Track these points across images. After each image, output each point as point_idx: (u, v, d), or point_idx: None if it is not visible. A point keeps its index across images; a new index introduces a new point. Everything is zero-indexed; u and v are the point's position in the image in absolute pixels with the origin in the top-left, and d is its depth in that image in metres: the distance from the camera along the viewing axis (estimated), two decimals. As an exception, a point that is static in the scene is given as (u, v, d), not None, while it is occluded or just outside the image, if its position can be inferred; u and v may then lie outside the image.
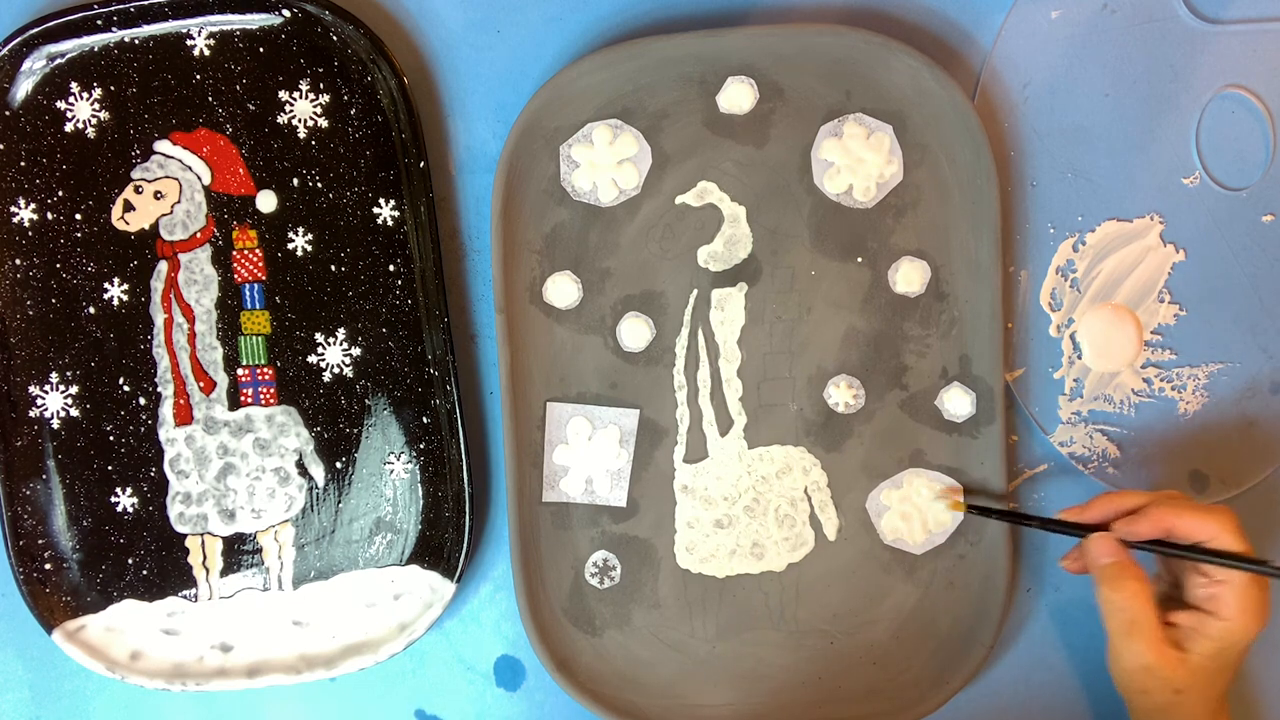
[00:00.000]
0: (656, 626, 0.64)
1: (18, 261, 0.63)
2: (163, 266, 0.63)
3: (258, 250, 0.63)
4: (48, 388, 0.63)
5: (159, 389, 0.63)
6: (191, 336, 0.63)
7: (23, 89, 0.62)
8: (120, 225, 0.63)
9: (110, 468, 0.63)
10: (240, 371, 0.63)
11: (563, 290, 0.62)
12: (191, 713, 0.66)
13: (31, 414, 0.63)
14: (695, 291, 0.63)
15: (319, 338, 0.63)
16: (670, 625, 0.64)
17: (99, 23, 0.61)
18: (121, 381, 0.63)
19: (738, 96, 0.61)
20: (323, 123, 0.62)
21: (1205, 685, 0.54)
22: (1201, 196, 0.63)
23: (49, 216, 0.62)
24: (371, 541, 0.64)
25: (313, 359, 0.63)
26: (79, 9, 0.61)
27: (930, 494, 0.62)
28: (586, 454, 0.63)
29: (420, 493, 0.63)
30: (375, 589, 0.64)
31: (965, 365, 0.62)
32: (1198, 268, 0.63)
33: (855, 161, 0.61)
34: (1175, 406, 0.64)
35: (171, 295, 0.63)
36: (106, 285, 0.63)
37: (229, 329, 0.63)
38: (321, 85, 0.62)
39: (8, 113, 0.62)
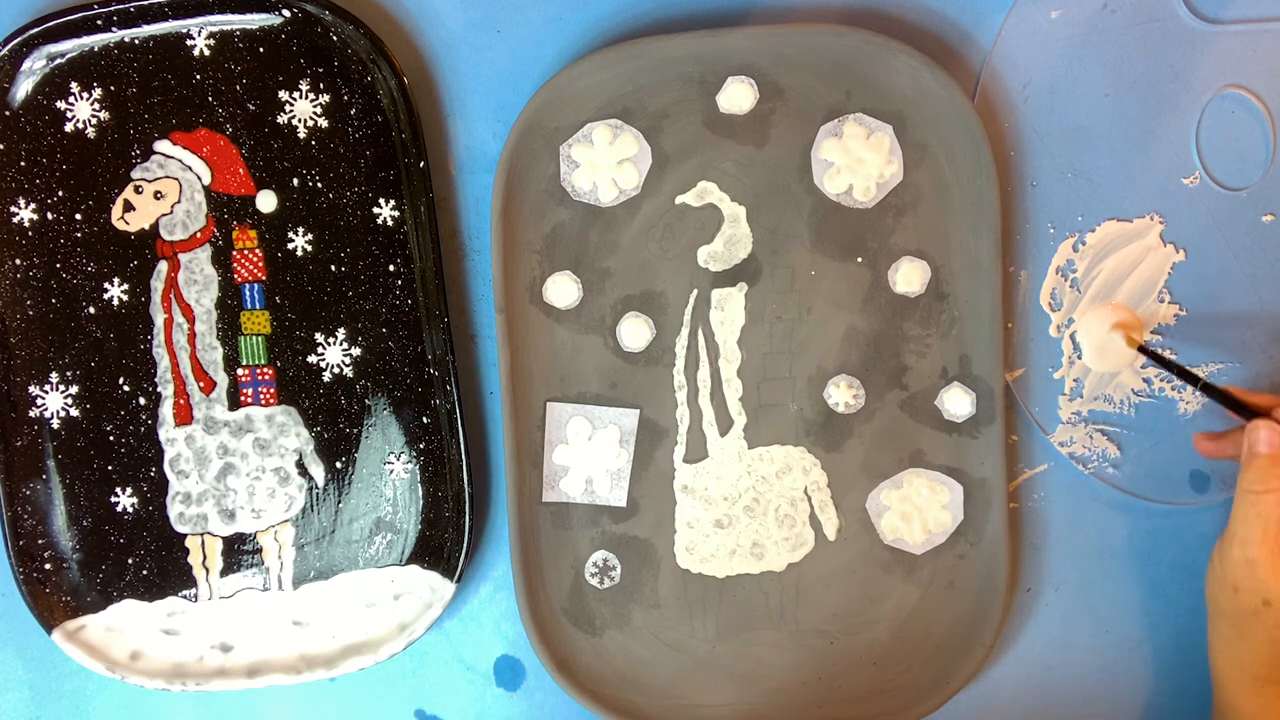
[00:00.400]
0: (656, 626, 0.64)
1: (18, 261, 0.63)
2: (163, 266, 0.63)
3: (258, 250, 0.63)
4: (48, 388, 0.63)
5: (159, 389, 0.63)
6: (191, 336, 0.63)
7: (23, 89, 0.62)
8: (120, 225, 0.63)
9: (110, 468, 0.63)
10: (240, 371, 0.63)
11: (563, 290, 0.62)
12: (191, 713, 0.66)
13: (31, 414, 0.63)
14: (695, 291, 0.63)
15: (319, 338, 0.63)
16: (670, 625, 0.64)
17: (99, 23, 0.61)
18: (121, 381, 0.63)
19: (738, 96, 0.61)
20: (323, 123, 0.62)
21: None
22: (1201, 196, 0.63)
23: (49, 216, 0.62)
24: (371, 541, 0.64)
25: (313, 359, 0.63)
26: (79, 9, 0.61)
27: (1101, 344, 0.61)
28: (586, 454, 0.63)
29: (420, 493, 0.63)
30: (375, 589, 0.64)
31: (965, 365, 0.62)
32: (1198, 268, 0.63)
33: (855, 161, 0.61)
34: (1175, 406, 0.64)
35: (171, 295, 0.63)
36: (106, 285, 0.63)
37: (229, 329, 0.63)
38: (321, 85, 0.62)
39: (8, 113, 0.62)
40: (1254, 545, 0.55)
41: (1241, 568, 0.55)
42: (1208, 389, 0.59)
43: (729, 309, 0.63)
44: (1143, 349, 0.61)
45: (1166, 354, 0.63)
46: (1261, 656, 0.56)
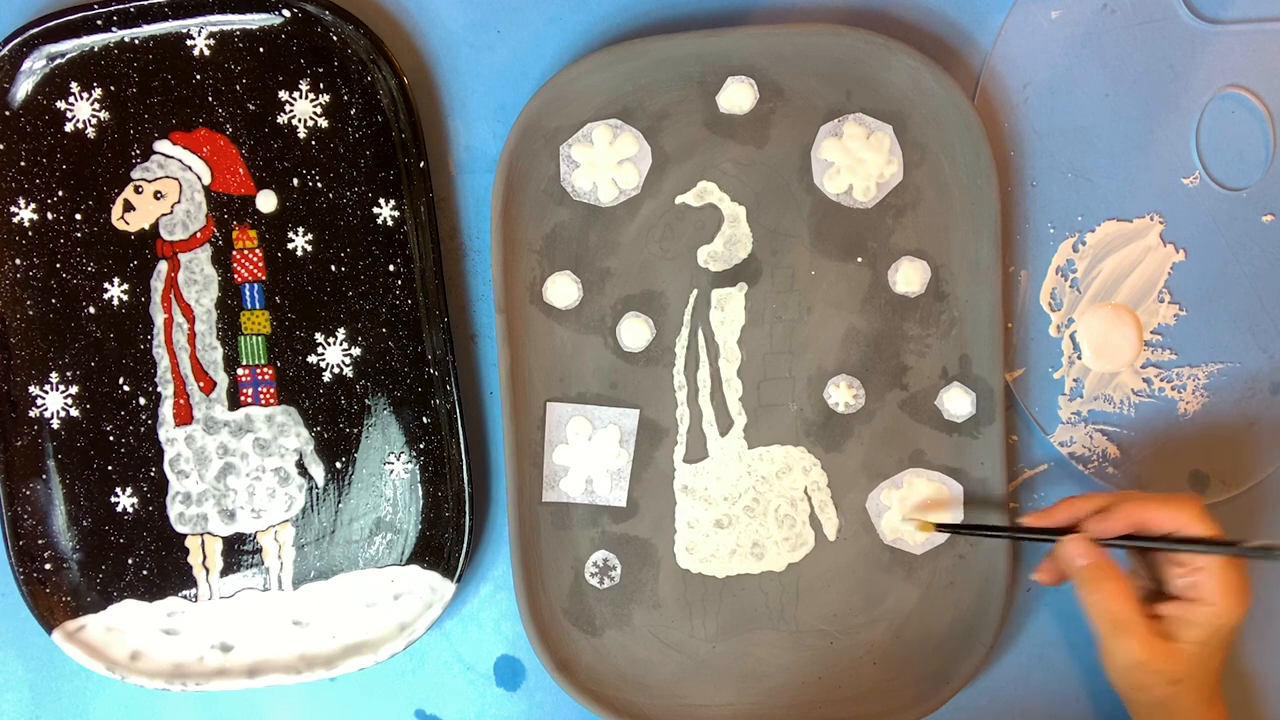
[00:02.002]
0: (656, 626, 0.64)
1: (18, 261, 0.63)
2: (163, 266, 0.63)
3: (258, 250, 0.63)
4: (48, 388, 0.63)
5: (159, 389, 0.63)
6: (191, 336, 0.63)
7: (23, 89, 0.62)
8: (120, 225, 0.63)
9: (110, 468, 0.63)
10: (240, 371, 0.63)
11: (563, 290, 0.62)
12: (191, 713, 0.66)
13: (31, 414, 0.63)
14: (695, 291, 0.63)
15: (319, 338, 0.63)
16: (670, 625, 0.64)
17: (99, 23, 0.61)
18: (121, 381, 0.63)
19: (738, 96, 0.61)
20: (323, 123, 0.62)
21: (1200, 672, 0.54)
22: (1201, 196, 0.63)
23: (49, 216, 0.62)
24: (371, 541, 0.64)
25: (313, 359, 0.63)
26: (79, 9, 0.61)
27: (914, 506, 0.62)
28: (586, 454, 0.63)
29: (420, 493, 0.63)
30: (375, 589, 0.64)
31: (965, 365, 0.62)
32: (1198, 268, 0.63)
33: (855, 161, 0.61)
34: (1175, 406, 0.64)
35: (171, 295, 0.63)
36: (106, 285, 0.63)
37: (229, 329, 0.63)
38: (321, 85, 0.62)
39: (8, 113, 0.62)
40: (1132, 648, 0.54)
41: (1135, 672, 0.54)
42: (1016, 532, 0.60)
43: (729, 309, 0.63)
44: (940, 526, 0.61)
45: (1165, 355, 0.63)
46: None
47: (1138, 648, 0.54)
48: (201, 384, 0.63)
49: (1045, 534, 0.58)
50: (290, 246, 0.63)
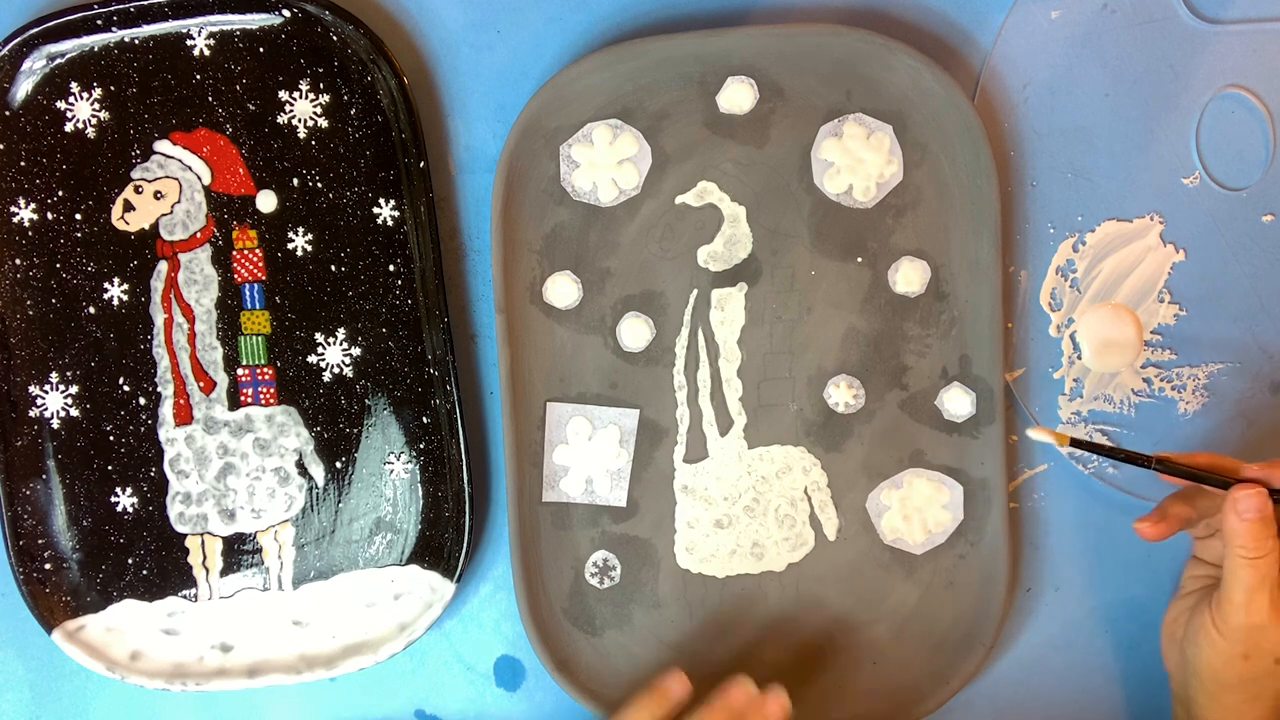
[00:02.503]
0: (656, 626, 0.64)
1: (18, 261, 0.63)
2: (163, 266, 0.63)
3: (258, 250, 0.63)
4: (48, 388, 0.63)
5: (159, 389, 0.63)
6: (191, 336, 0.63)
7: (23, 89, 0.62)
8: (120, 225, 0.63)
9: (110, 468, 0.63)
10: (240, 371, 0.63)
11: (563, 290, 0.62)
12: (191, 713, 0.66)
13: (31, 414, 0.63)
14: (695, 291, 0.63)
15: (319, 338, 0.63)
16: (670, 625, 0.64)
17: (99, 23, 0.61)
18: (121, 381, 0.63)
19: (738, 96, 0.61)
20: (323, 123, 0.62)
21: None
22: (1201, 196, 0.63)
23: (49, 216, 0.62)
24: (371, 541, 0.64)
25: (313, 359, 0.63)
26: (79, 9, 0.61)
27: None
28: (586, 454, 0.63)
29: (420, 493, 0.63)
30: (375, 589, 0.64)
31: (965, 365, 0.62)
32: (1198, 268, 0.63)
33: (855, 161, 0.61)
34: (1175, 406, 0.64)
35: (171, 295, 0.63)
36: (106, 285, 0.63)
37: (229, 329, 0.63)
38: (321, 85, 0.62)
39: (8, 113, 0.62)
40: (1259, 609, 0.53)
41: (1250, 634, 0.54)
42: (1163, 467, 0.56)
43: (729, 309, 0.63)
44: (1075, 442, 0.58)
45: (1165, 355, 0.63)
46: (1268, 715, 0.55)
47: (1267, 613, 0.53)
48: (201, 384, 0.63)
49: (1193, 476, 0.56)
50: (290, 246, 0.63)
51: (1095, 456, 0.63)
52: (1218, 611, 0.55)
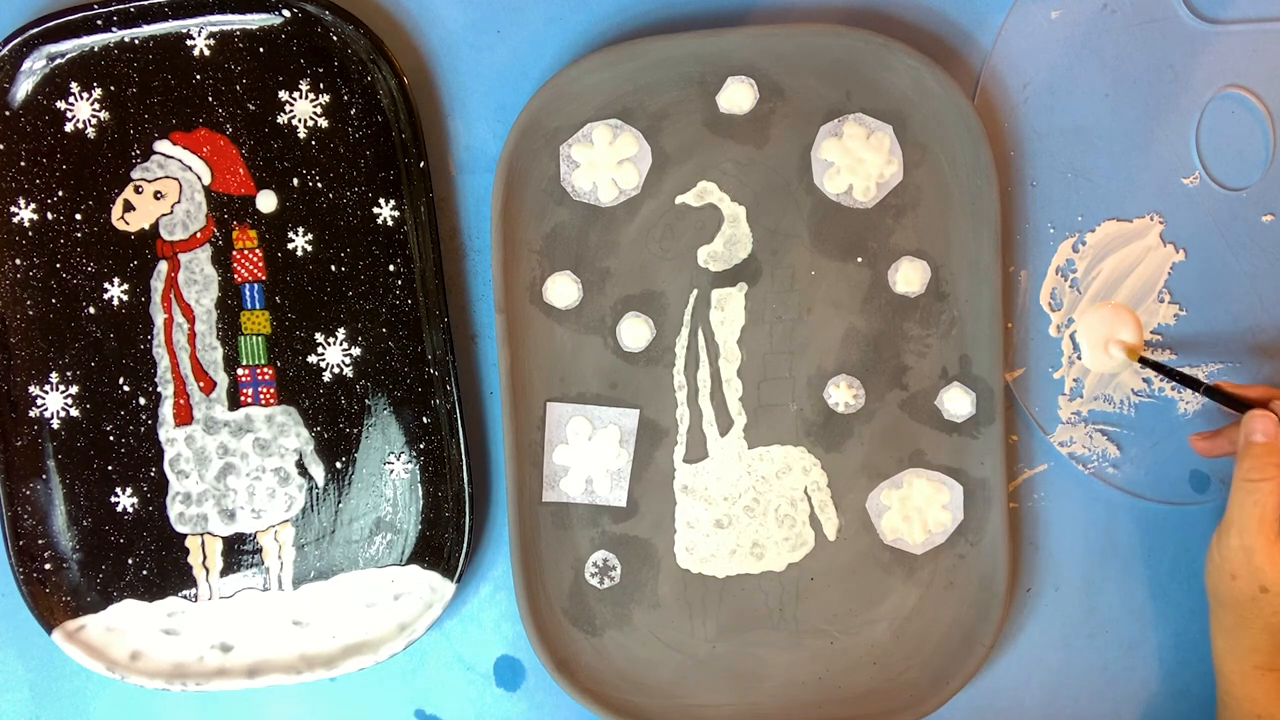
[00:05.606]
0: (656, 626, 0.64)
1: (18, 261, 0.63)
2: (163, 266, 0.63)
3: (258, 250, 0.63)
4: (48, 388, 0.63)
5: (159, 389, 0.63)
6: (191, 336, 0.63)
7: (23, 89, 0.62)
8: (120, 225, 0.63)
9: (110, 468, 0.63)
10: (240, 371, 0.63)
11: (563, 290, 0.62)
12: (191, 713, 0.66)
13: (31, 414, 0.63)
14: (695, 291, 0.63)
15: (319, 338, 0.63)
16: (670, 625, 0.64)
17: (99, 23, 0.61)
18: (121, 381, 0.63)
19: (738, 96, 0.61)
20: (323, 123, 0.62)
21: None
22: (1201, 196, 0.63)
23: (49, 216, 0.62)
24: (371, 541, 0.64)
25: (313, 359, 0.63)
26: (79, 9, 0.61)
27: (1100, 349, 0.62)
28: (586, 454, 0.63)
29: (420, 493, 0.63)
30: (375, 589, 0.64)
31: (965, 365, 0.62)
32: (1198, 268, 0.63)
33: (855, 161, 0.61)
34: (1175, 406, 0.64)
35: (171, 295, 0.63)
36: (106, 285, 0.63)
37: (229, 329, 0.63)
38: (321, 85, 0.62)
39: (8, 113, 0.62)
40: (1250, 533, 0.55)
41: (1239, 555, 0.56)
42: (1208, 391, 0.59)
43: (729, 309, 0.63)
44: (1143, 360, 0.62)
45: (1165, 355, 0.63)
46: (1261, 644, 0.56)
47: (1256, 538, 0.55)
48: (201, 384, 0.63)
49: (1239, 402, 0.58)
50: (290, 246, 0.63)
51: (1095, 457, 0.63)
52: (1219, 530, 0.57)
